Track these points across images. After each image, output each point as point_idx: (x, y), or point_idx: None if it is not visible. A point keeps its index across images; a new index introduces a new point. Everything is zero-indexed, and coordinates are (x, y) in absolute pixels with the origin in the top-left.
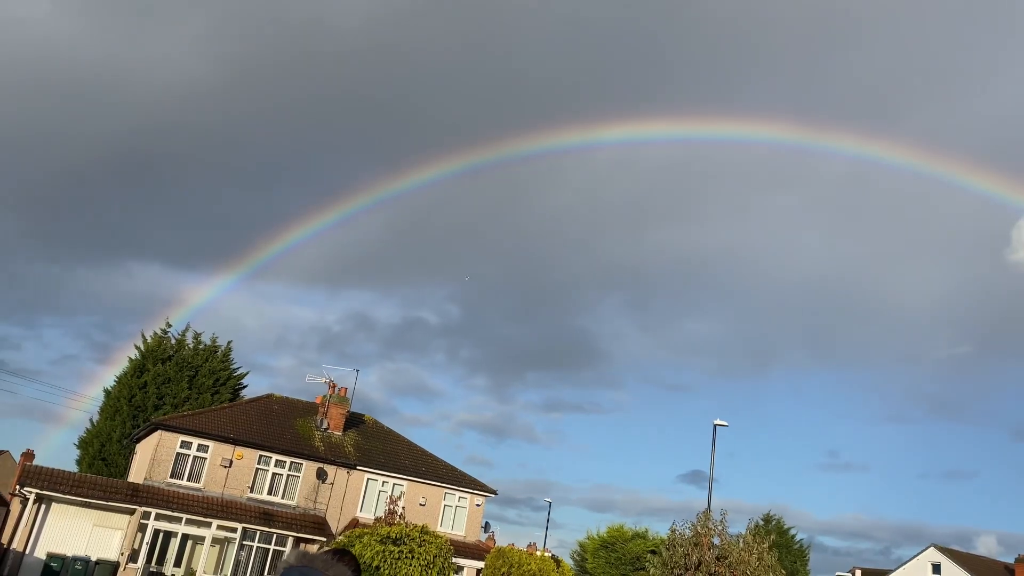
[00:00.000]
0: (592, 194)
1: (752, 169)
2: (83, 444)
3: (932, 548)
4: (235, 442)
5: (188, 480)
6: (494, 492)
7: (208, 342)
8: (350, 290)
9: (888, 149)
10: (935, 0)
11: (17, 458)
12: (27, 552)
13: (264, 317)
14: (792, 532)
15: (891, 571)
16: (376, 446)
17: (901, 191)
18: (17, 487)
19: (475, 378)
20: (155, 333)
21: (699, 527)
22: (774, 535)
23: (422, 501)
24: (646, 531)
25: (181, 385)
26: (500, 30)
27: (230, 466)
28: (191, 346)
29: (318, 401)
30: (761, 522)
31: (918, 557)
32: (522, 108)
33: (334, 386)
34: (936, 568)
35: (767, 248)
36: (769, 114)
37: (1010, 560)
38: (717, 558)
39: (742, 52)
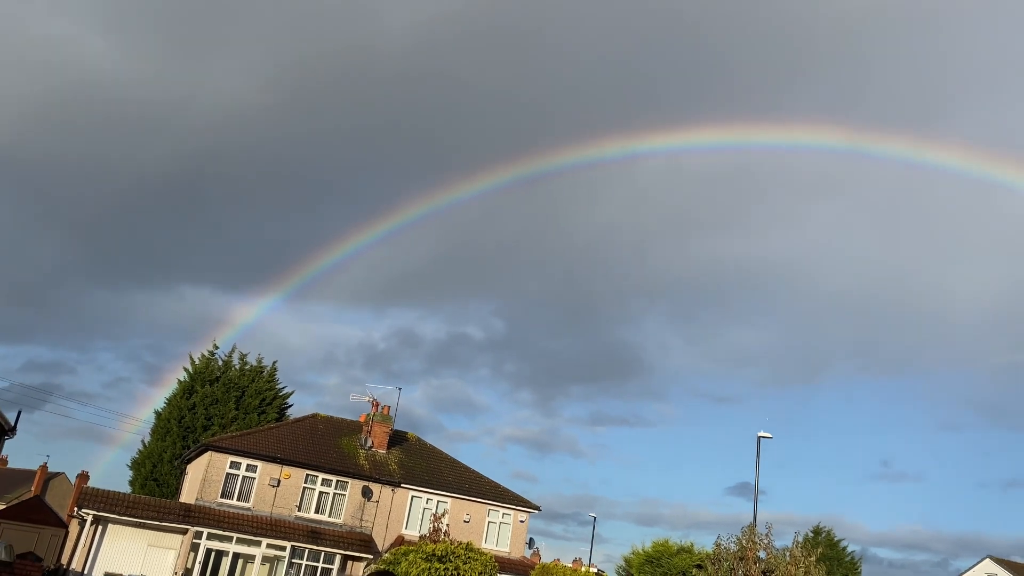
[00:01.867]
0: (637, 205)
1: (800, 176)
2: (135, 465)
3: (988, 559)
4: (282, 462)
5: (238, 499)
6: (538, 508)
7: (254, 362)
8: (396, 308)
9: (939, 152)
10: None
11: (72, 480)
12: (85, 572)
13: (311, 336)
14: (843, 544)
15: None
16: (420, 464)
17: (954, 194)
18: (75, 509)
19: (520, 393)
20: (203, 355)
21: (744, 541)
22: (822, 548)
23: (466, 518)
24: (691, 545)
25: (228, 406)
26: (541, 43)
27: (278, 485)
28: (237, 367)
29: (362, 420)
30: (811, 534)
31: (973, 569)
32: (565, 121)
33: (377, 404)
34: None
35: (815, 256)
36: (817, 120)
37: None
38: (763, 572)
39: (788, 57)
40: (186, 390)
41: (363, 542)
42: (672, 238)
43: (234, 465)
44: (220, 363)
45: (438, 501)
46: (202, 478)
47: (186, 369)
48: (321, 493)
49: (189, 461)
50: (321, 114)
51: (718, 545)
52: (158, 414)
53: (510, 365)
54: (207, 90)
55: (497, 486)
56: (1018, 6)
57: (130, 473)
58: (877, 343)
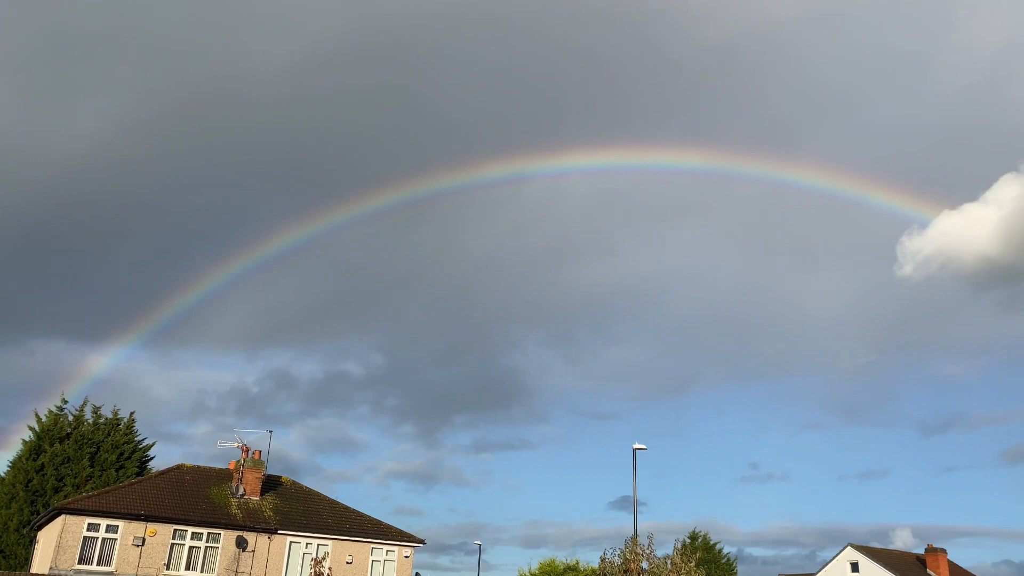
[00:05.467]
0: (517, 232)
1: (668, 197)
2: None
3: (849, 547)
4: (146, 519)
5: (98, 564)
6: (422, 541)
7: (109, 415)
8: (270, 349)
9: (794, 171)
10: (830, 36)
11: None
12: None
13: (178, 384)
14: (719, 547)
15: (814, 574)
16: (296, 507)
17: (807, 211)
18: None
19: (401, 427)
20: (50, 411)
21: (627, 553)
22: (700, 552)
23: (348, 559)
24: (576, 563)
25: (82, 464)
26: (421, 68)
27: (143, 544)
28: (91, 421)
29: (231, 467)
30: (688, 540)
31: (837, 558)
32: (448, 145)
33: (247, 450)
34: (855, 566)
35: (684, 273)
36: (684, 143)
37: (922, 551)
38: None
39: (660, 85)
40: (32, 450)
41: None
42: (552, 262)
43: (92, 527)
44: (71, 419)
45: (318, 544)
46: (56, 544)
47: (32, 428)
48: (191, 548)
49: (40, 527)
50: (184, 156)
51: (603, 560)
52: (0, 479)
53: (391, 399)
54: (61, 138)
55: (379, 523)
56: (862, 43)
57: None
58: (743, 353)
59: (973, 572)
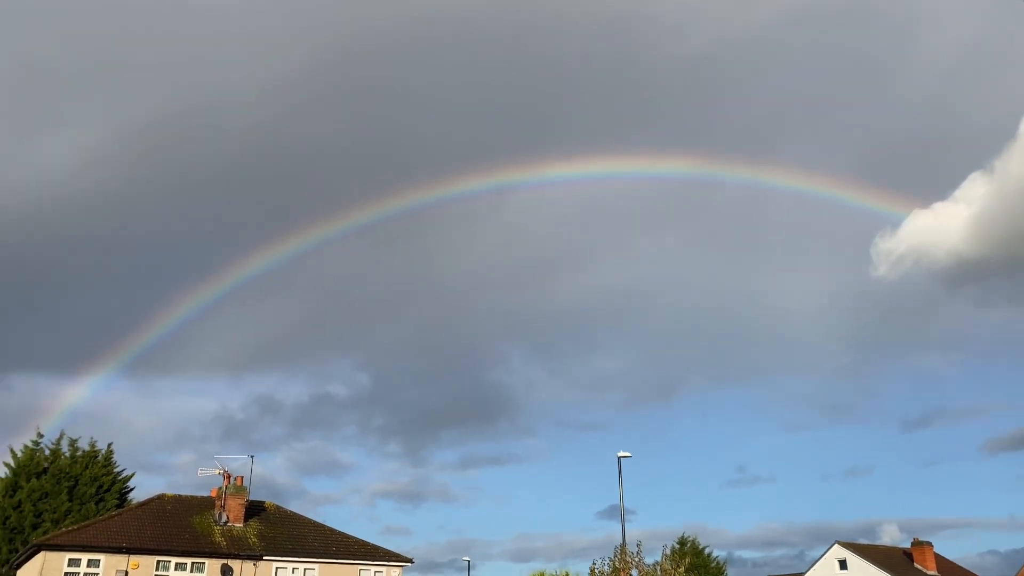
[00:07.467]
0: (499, 245)
1: (650, 205)
2: None
3: (837, 545)
4: (128, 551)
5: None
6: (410, 560)
7: (86, 447)
8: (254, 374)
9: (771, 175)
10: (802, 44)
11: None
12: None
13: (159, 414)
14: (708, 551)
15: (802, 574)
16: (281, 532)
17: (784, 214)
18: None
19: (388, 446)
20: (26, 446)
21: (616, 562)
22: (689, 557)
23: None
24: (567, 574)
25: (60, 498)
26: (398, 85)
27: None
28: (68, 455)
29: (213, 494)
30: (677, 546)
31: (825, 556)
32: (426, 161)
33: (229, 476)
34: (843, 564)
35: (666, 280)
36: (665, 150)
37: (908, 545)
38: None
39: (638, 95)
40: (9, 487)
41: None
42: (535, 274)
43: (73, 563)
44: (47, 453)
45: (305, 569)
46: None
47: (7, 464)
48: None
49: (19, 566)
50: (159, 184)
51: (592, 570)
52: None
53: (377, 419)
54: (33, 173)
55: (366, 544)
56: (834, 49)
57: None
58: (725, 357)
59: (960, 564)
